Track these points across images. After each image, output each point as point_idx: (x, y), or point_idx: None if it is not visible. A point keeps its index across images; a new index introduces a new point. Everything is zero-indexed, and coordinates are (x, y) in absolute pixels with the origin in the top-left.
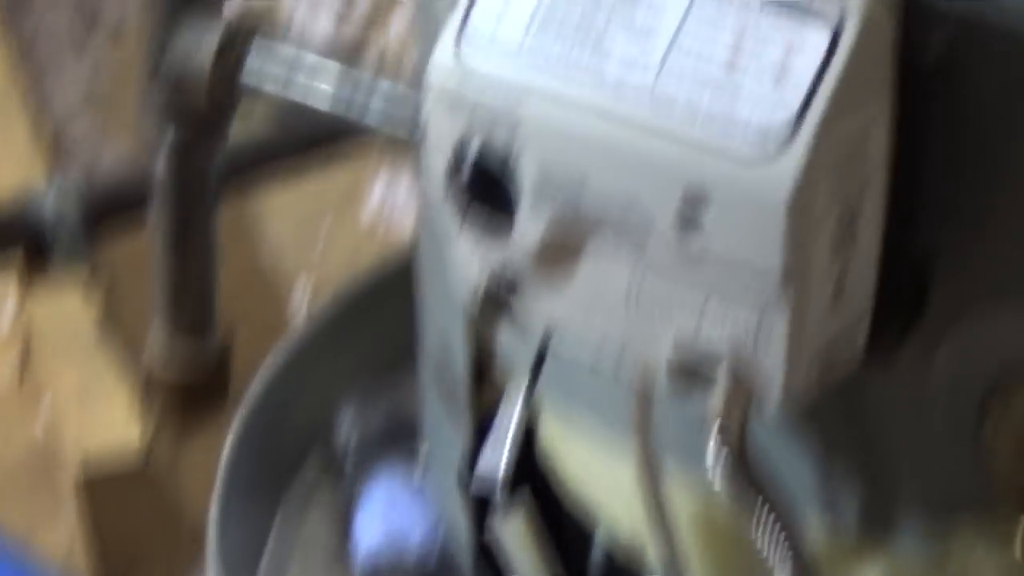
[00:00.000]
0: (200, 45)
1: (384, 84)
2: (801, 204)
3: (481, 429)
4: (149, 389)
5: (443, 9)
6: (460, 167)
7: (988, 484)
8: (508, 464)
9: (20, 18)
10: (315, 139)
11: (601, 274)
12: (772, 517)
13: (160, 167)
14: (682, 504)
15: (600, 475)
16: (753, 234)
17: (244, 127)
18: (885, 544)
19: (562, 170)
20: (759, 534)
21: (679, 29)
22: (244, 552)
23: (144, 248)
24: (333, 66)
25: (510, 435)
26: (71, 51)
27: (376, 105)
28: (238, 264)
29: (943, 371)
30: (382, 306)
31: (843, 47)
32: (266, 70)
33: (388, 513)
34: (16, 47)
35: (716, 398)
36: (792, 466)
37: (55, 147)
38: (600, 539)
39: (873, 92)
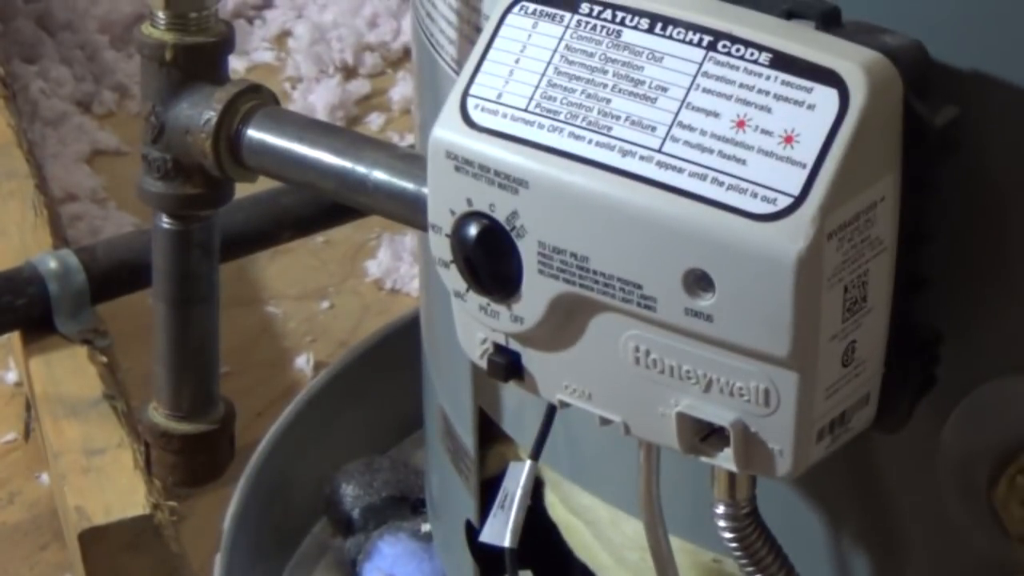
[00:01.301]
0: (200, 118)
1: (387, 155)
2: (811, 263)
3: (489, 483)
4: (151, 453)
5: (447, 75)
6: (464, 233)
7: (998, 548)
8: (514, 530)
9: (25, 82)
10: (317, 207)
11: (609, 338)
12: None
13: (158, 244)
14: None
15: (606, 540)
16: (762, 295)
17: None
18: None
19: (567, 233)
20: None
21: (687, 92)
22: None
23: (148, 309)
24: (335, 138)
25: (516, 502)
26: (76, 114)
27: (379, 177)
28: (241, 327)
29: (953, 439)
30: (386, 370)
31: (853, 107)
32: (267, 143)
33: (394, 570)
34: (20, 111)
35: (722, 481)
36: (802, 530)
37: (59, 212)
38: None
39: (882, 153)
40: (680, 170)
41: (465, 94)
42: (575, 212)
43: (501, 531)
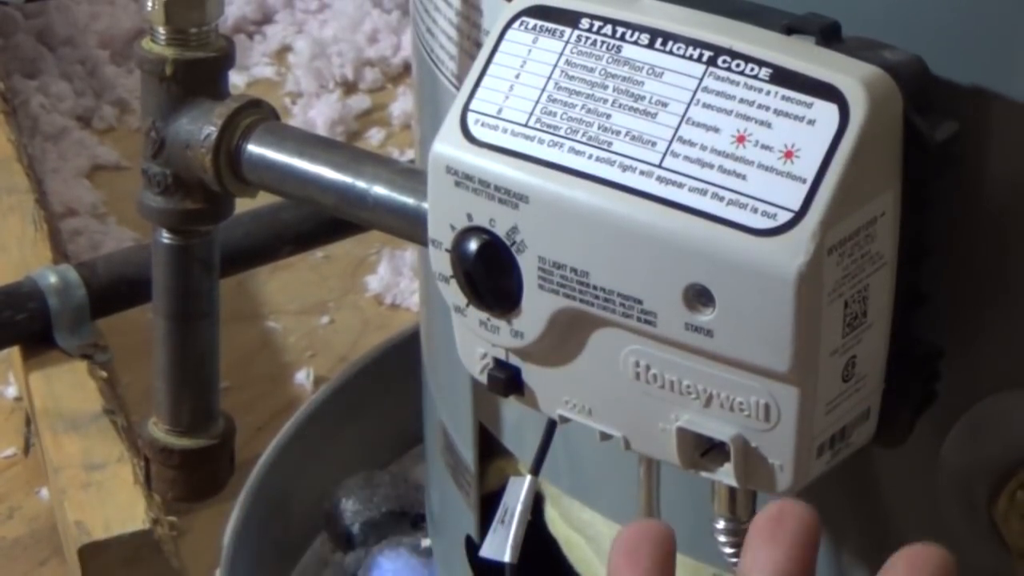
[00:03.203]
0: (200, 133)
1: (387, 170)
2: (811, 278)
3: (489, 498)
4: (151, 468)
5: (447, 90)
6: (464, 248)
7: (998, 563)
8: (515, 545)
9: (25, 97)
10: (317, 222)
11: (609, 353)
12: None
13: (158, 259)
14: None
15: (606, 555)
16: (762, 310)
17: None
18: None
19: (567, 248)
20: None
21: (687, 107)
22: None
23: (148, 324)
24: (335, 153)
25: (516, 517)
26: (76, 129)
27: (379, 192)
28: (241, 342)
29: (953, 455)
30: (386, 385)
31: (854, 122)
32: (267, 158)
33: None
34: (20, 126)
35: (722, 496)
36: None
37: (59, 227)
38: None
39: (883, 168)
40: (680, 185)
41: (465, 109)
42: (575, 227)
43: (501, 546)
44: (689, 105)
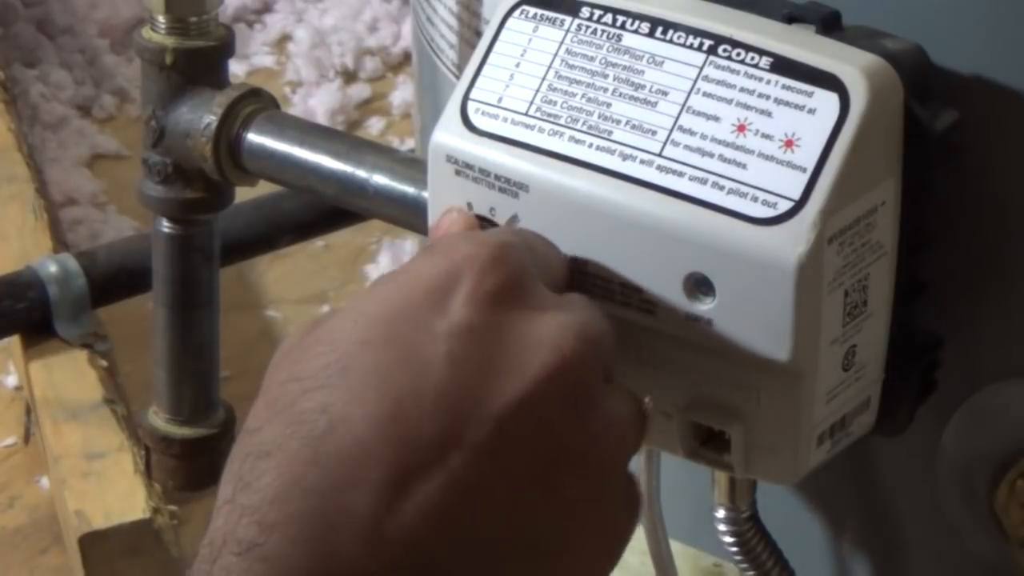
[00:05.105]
0: (200, 122)
1: (387, 159)
2: (812, 267)
3: None
4: (151, 458)
5: (447, 79)
6: None
7: (998, 553)
8: None
9: (25, 86)
10: (317, 211)
11: None
12: None
13: (158, 248)
14: None
15: None
16: (762, 299)
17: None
18: None
19: (567, 237)
20: None
21: (687, 96)
22: None
23: (149, 313)
24: (335, 142)
25: None
26: (76, 118)
27: (379, 181)
28: (241, 332)
29: (954, 444)
30: None
31: (854, 112)
32: (267, 147)
33: None
34: (20, 116)
35: (722, 485)
36: (802, 534)
37: (59, 216)
38: None
39: (883, 158)
40: (680, 174)
41: (465, 98)
42: (575, 216)
43: None
44: (689, 94)
